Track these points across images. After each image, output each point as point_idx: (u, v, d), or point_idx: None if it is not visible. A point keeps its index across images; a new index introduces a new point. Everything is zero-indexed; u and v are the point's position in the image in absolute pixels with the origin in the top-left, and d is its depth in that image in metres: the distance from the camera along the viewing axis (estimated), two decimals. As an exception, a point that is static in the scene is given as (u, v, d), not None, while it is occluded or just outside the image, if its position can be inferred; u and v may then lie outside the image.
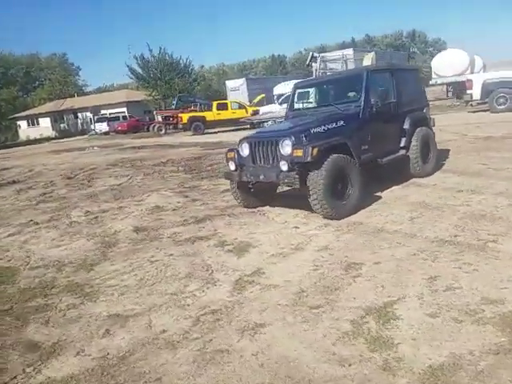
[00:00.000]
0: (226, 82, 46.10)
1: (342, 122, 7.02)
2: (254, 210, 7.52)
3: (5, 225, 8.50)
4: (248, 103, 34.22)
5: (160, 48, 46.96)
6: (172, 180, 11.45)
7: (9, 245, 7.14)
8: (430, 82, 27.23)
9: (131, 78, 51.01)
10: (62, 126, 61.29)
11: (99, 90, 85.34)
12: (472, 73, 24.58)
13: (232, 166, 7.35)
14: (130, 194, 10.17)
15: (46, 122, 60.89)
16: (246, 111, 30.47)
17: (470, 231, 5.28)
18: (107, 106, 53.84)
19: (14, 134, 62.68)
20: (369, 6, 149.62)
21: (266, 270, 4.89)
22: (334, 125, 6.92)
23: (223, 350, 3.45)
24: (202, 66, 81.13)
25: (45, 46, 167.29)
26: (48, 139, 52.09)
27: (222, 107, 31.64)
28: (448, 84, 27.98)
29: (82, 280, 5.26)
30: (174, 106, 36.76)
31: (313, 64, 26.47)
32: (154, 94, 46.54)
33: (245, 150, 7.26)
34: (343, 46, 58.58)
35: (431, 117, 9.12)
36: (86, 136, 48.89)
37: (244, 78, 44.84)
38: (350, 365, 3.08)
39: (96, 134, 48.40)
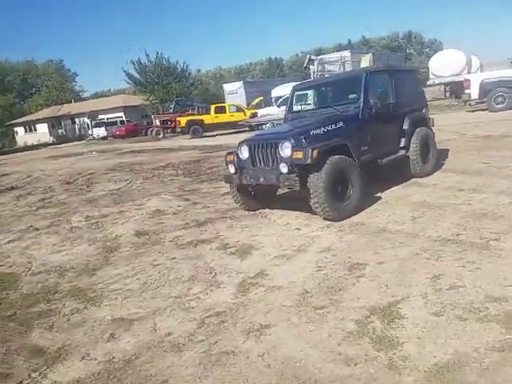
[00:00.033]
0: (224, 85, 46.18)
1: (341, 124, 7.01)
2: (255, 212, 7.52)
3: (5, 231, 8.48)
4: (246, 106, 34.23)
5: (157, 53, 47.07)
6: (172, 184, 11.45)
7: (10, 251, 7.12)
8: (428, 83, 27.25)
9: (128, 83, 51.07)
10: (59, 131, 61.22)
11: (96, 96, 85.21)
12: (469, 72, 24.60)
13: (232, 169, 7.34)
14: (130, 198, 10.15)
15: (43, 128, 60.81)
16: (245, 114, 30.56)
17: (472, 230, 5.28)
18: (104, 111, 53.84)
19: (11, 140, 62.57)
20: (365, 7, 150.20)
21: (270, 272, 4.89)
22: (333, 126, 6.92)
23: (229, 351, 3.45)
24: (199, 70, 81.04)
25: (41, 52, 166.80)
26: (45, 145, 52.00)
27: (220, 110, 31.68)
28: (446, 84, 28.02)
29: (85, 285, 5.25)
30: (171, 110, 36.70)
31: (310, 66, 26.57)
32: (151, 98, 46.50)
33: (244, 153, 7.23)
34: (340, 48, 58.87)
35: (430, 117, 9.13)
36: (83, 141, 48.84)
37: (241, 82, 44.78)
38: (355, 364, 3.08)
39: (94, 139, 48.35)
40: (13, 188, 14.46)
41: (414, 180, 8.22)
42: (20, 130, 62.44)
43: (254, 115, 28.89)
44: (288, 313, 3.93)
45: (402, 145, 8.08)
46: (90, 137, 50.24)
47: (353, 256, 4.99)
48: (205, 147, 20.82)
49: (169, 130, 35.40)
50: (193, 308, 4.28)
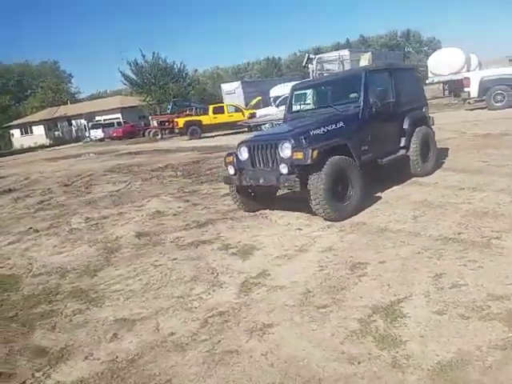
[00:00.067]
0: (222, 85, 46.03)
1: (341, 123, 6.99)
2: (255, 213, 7.51)
3: (4, 233, 8.48)
4: (244, 106, 34.19)
5: (153, 53, 46.95)
6: (171, 185, 11.43)
7: (10, 253, 7.13)
8: (427, 81, 27.22)
9: (125, 84, 50.98)
10: (56, 133, 60.90)
11: (92, 97, 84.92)
12: (468, 71, 24.60)
13: (231, 170, 7.30)
14: (130, 199, 10.15)
15: (39, 130, 60.52)
16: (243, 114, 30.41)
17: (474, 228, 5.29)
18: (101, 112, 53.73)
19: (7, 142, 62.32)
20: (362, 6, 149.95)
21: (272, 272, 4.90)
22: (333, 126, 6.89)
23: (232, 350, 3.46)
24: (196, 70, 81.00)
25: (35, 54, 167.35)
26: (42, 147, 51.90)
27: (219, 111, 31.50)
28: (445, 82, 28.01)
29: (87, 286, 5.25)
30: (169, 111, 36.65)
31: (309, 65, 26.55)
32: (148, 99, 46.41)
33: (244, 154, 7.20)
34: (338, 47, 58.86)
35: (430, 115, 9.13)
36: (80, 143, 48.64)
37: (239, 81, 44.70)
38: (359, 363, 3.09)
39: (91, 140, 48.24)
40: (10, 190, 14.42)
41: (414, 179, 8.22)
42: (16, 133, 62.11)
43: (252, 115, 28.83)
44: (291, 312, 3.93)
45: (402, 144, 8.05)
46: (88, 138, 50.08)
47: (354, 255, 5.00)
48: (204, 148, 20.79)
49: (167, 131, 35.27)
50: (195, 308, 4.29)
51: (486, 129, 13.34)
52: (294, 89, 9.12)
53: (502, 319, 3.34)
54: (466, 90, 19.99)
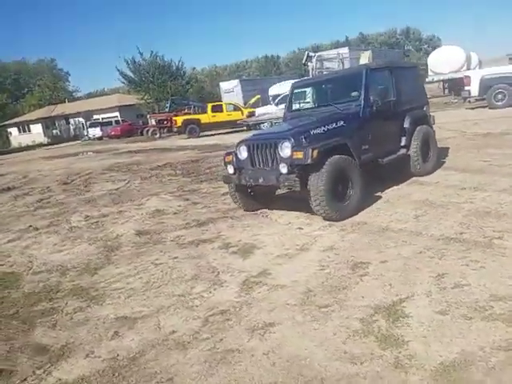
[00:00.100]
0: (220, 83, 45.90)
1: (341, 122, 6.95)
2: (256, 212, 7.49)
3: (4, 231, 8.48)
4: (243, 105, 34.11)
5: (151, 51, 46.69)
6: (171, 184, 11.42)
7: (10, 250, 7.12)
8: (427, 80, 27.20)
9: (123, 83, 50.63)
10: (54, 132, 60.71)
11: (90, 96, 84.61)
12: (468, 69, 24.60)
13: (230, 170, 7.27)
14: (129, 198, 10.13)
15: (37, 129, 60.31)
16: (242, 113, 30.31)
17: (476, 228, 5.28)
18: (99, 110, 53.48)
19: (5, 141, 62.10)
20: (362, 4, 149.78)
21: (273, 271, 4.89)
22: (333, 125, 6.85)
23: (234, 349, 3.45)
24: (194, 68, 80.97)
25: (32, 52, 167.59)
26: (40, 145, 51.78)
27: (217, 109, 31.39)
28: (445, 81, 28.02)
29: (87, 284, 5.25)
30: (167, 109, 36.53)
31: (309, 63, 26.44)
32: (146, 97, 46.12)
33: (243, 153, 7.16)
34: (337, 45, 58.75)
35: (431, 114, 9.10)
36: (78, 141, 48.59)
37: (238, 80, 44.66)
38: (361, 363, 3.09)
39: (89, 139, 48.02)
40: (9, 188, 14.40)
41: (414, 179, 8.20)
42: (14, 131, 61.88)
43: (251, 114, 28.73)
44: (292, 311, 3.92)
45: (402, 143, 8.02)
46: (86, 137, 49.93)
47: (356, 255, 4.99)
48: (203, 147, 20.78)
49: (165, 130, 35.06)
50: (196, 306, 4.28)
51: (486, 128, 13.32)
52: (293, 87, 9.05)
53: (505, 320, 3.33)
54: (466, 88, 19.91)
